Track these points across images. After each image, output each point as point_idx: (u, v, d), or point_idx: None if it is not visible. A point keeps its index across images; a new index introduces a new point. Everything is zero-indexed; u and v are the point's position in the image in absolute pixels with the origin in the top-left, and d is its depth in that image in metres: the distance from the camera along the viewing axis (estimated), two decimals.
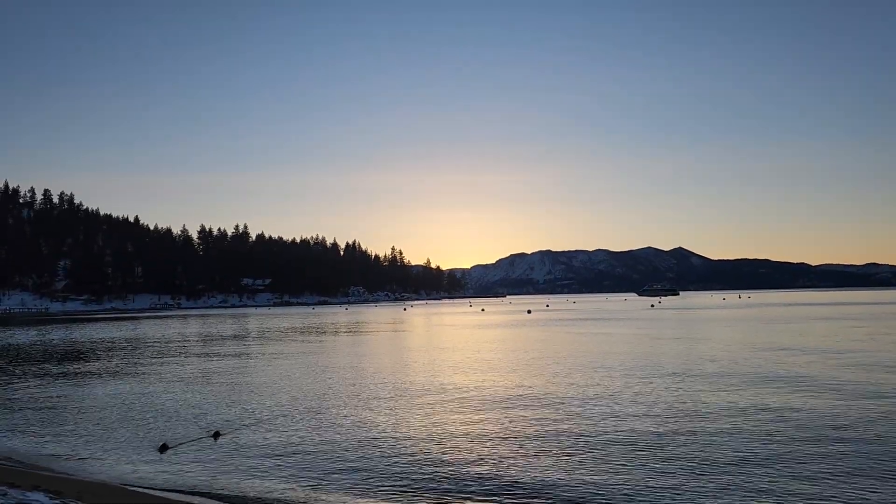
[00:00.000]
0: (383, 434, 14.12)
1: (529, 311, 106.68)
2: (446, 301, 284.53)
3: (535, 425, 14.79)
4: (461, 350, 35.58)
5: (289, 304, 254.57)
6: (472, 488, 10.37)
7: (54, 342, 49.79)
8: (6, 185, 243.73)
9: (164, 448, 13.15)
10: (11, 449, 14.22)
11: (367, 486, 10.56)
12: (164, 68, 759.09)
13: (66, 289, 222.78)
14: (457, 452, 12.48)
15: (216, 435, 14.01)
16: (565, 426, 14.52)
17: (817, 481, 10.28)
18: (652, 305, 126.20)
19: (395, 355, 33.24)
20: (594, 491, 10.07)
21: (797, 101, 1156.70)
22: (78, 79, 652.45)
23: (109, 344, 46.55)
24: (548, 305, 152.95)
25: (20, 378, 26.55)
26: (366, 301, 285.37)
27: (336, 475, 11.32)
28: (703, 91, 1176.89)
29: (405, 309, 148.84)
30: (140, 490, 10.73)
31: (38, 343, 49.23)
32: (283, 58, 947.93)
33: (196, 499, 10.38)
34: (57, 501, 9.28)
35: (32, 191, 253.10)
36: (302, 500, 10.12)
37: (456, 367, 26.87)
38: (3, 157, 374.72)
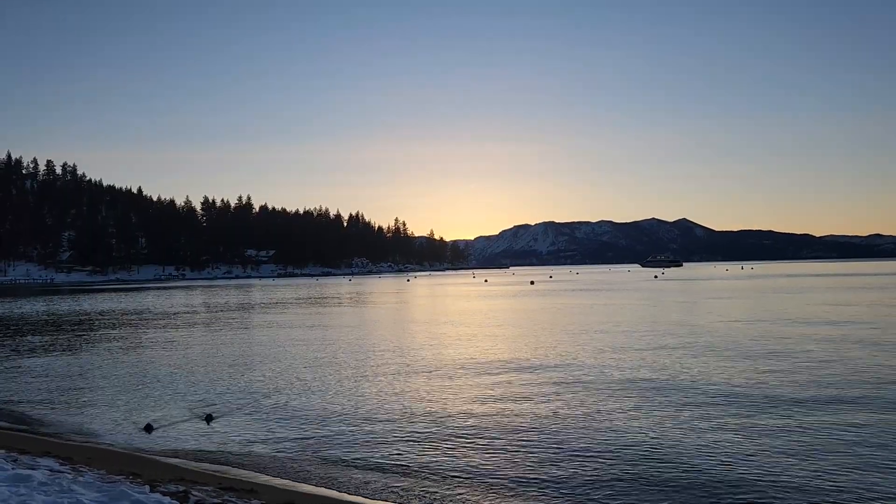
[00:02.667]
0: (385, 416, 13.63)
1: (532, 283, 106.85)
2: (450, 272, 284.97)
3: (543, 406, 14.93)
4: (464, 320, 35.80)
5: (293, 275, 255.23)
6: (470, 462, 10.53)
7: (62, 313, 50.18)
8: (9, 156, 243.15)
9: (148, 428, 12.73)
10: (20, 417, 14.46)
11: (359, 480, 9.89)
12: (166, 41, 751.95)
13: (71, 260, 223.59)
14: (457, 428, 12.60)
15: (209, 418, 13.30)
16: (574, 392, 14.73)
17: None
18: (655, 277, 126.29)
19: (399, 327, 33.39)
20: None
21: (801, 71, 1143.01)
22: (80, 52, 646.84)
23: (116, 315, 46.93)
24: (551, 277, 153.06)
25: (29, 349, 26.86)
26: (369, 272, 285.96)
27: (329, 459, 11.46)
28: (707, 61, 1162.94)
29: (409, 280, 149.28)
30: (147, 456, 10.91)
31: (46, 314, 49.62)
32: (285, 30, 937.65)
33: (203, 465, 10.58)
34: (67, 467, 9.47)
35: (35, 162, 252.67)
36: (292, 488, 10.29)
37: (459, 339, 27.06)
38: (5, 128, 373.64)
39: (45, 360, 23.04)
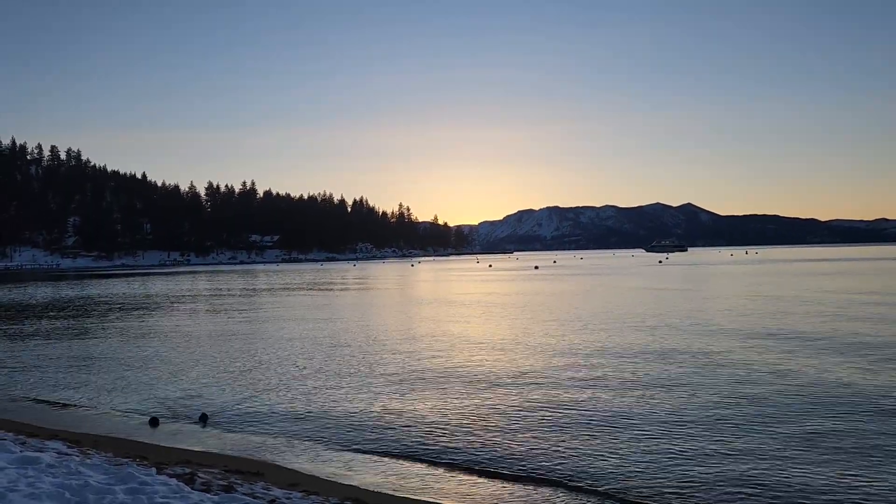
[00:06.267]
0: (389, 402, 13.49)
1: (537, 267, 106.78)
2: (454, 257, 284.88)
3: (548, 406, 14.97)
4: (469, 310, 35.83)
5: (297, 260, 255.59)
6: (472, 446, 10.60)
7: (71, 299, 50.40)
8: (13, 142, 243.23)
9: (153, 422, 12.38)
10: (28, 402, 14.57)
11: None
12: (170, 25, 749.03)
13: (76, 245, 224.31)
14: (459, 413, 12.68)
15: (203, 418, 12.45)
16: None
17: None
18: (659, 261, 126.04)
19: (404, 315, 33.04)
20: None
21: (809, 56, 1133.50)
22: (83, 37, 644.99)
23: (123, 301, 47.14)
24: (555, 261, 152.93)
25: (37, 335, 27.06)
26: (373, 257, 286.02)
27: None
28: (713, 46, 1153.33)
29: (413, 265, 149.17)
30: (154, 444, 10.98)
31: (54, 300, 49.85)
32: (290, 16, 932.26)
33: (209, 449, 10.66)
34: (75, 450, 9.56)
35: (39, 147, 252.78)
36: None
37: (464, 331, 27.07)
38: (10, 114, 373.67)
39: (54, 346, 23.18)
